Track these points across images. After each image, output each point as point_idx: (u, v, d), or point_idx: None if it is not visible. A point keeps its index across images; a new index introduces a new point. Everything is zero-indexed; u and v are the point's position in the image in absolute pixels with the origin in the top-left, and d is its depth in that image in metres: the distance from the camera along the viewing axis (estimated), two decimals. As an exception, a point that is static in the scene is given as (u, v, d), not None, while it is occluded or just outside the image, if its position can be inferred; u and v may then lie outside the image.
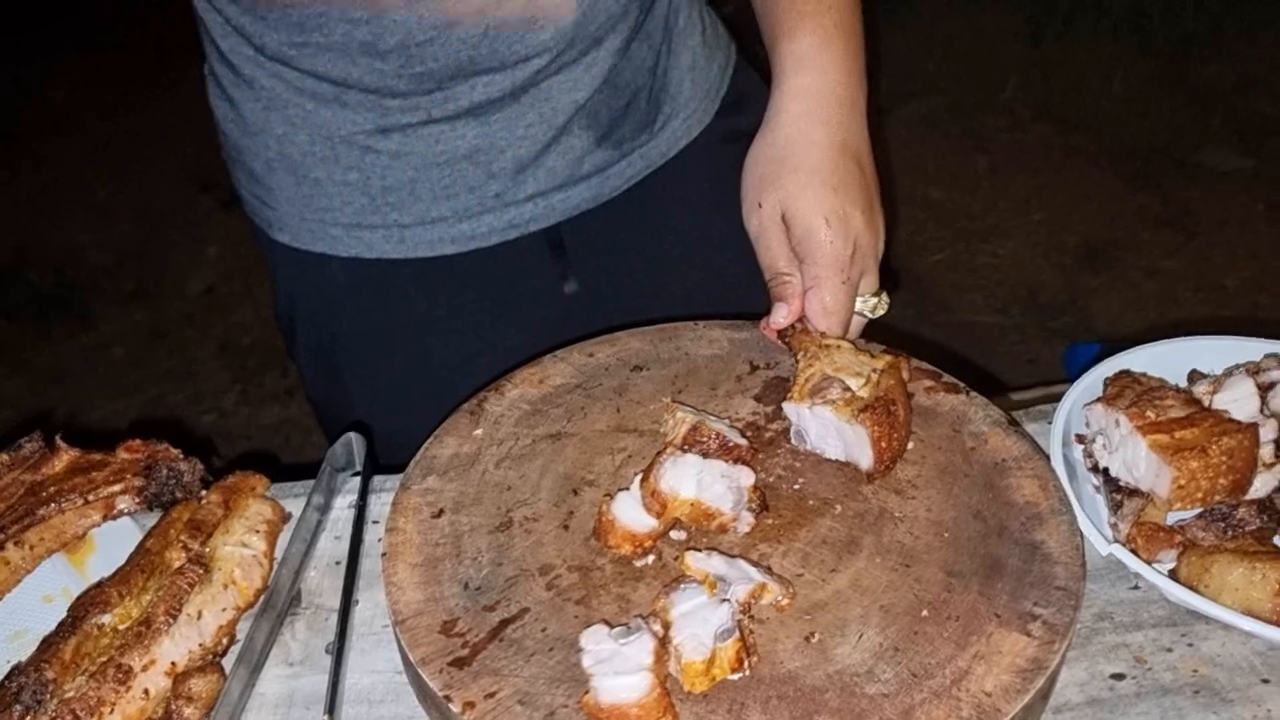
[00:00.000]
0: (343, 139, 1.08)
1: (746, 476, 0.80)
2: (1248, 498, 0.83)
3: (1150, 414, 0.85)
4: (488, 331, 1.18)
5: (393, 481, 0.95)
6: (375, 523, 0.92)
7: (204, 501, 0.88)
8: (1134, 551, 0.81)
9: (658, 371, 0.98)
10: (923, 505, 0.83)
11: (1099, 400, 0.89)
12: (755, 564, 0.77)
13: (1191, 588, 0.78)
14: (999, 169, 3.41)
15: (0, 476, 0.89)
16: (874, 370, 0.87)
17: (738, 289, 1.09)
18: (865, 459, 0.84)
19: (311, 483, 0.93)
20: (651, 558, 0.79)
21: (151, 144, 3.77)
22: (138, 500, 0.88)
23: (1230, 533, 0.81)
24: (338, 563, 0.88)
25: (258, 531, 0.86)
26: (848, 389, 0.86)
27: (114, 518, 0.88)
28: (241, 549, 0.84)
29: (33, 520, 0.84)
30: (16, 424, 2.55)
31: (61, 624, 0.77)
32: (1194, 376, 0.94)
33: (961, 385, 0.94)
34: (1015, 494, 0.84)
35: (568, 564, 0.79)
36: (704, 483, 0.79)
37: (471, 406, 0.94)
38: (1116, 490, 0.85)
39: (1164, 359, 0.95)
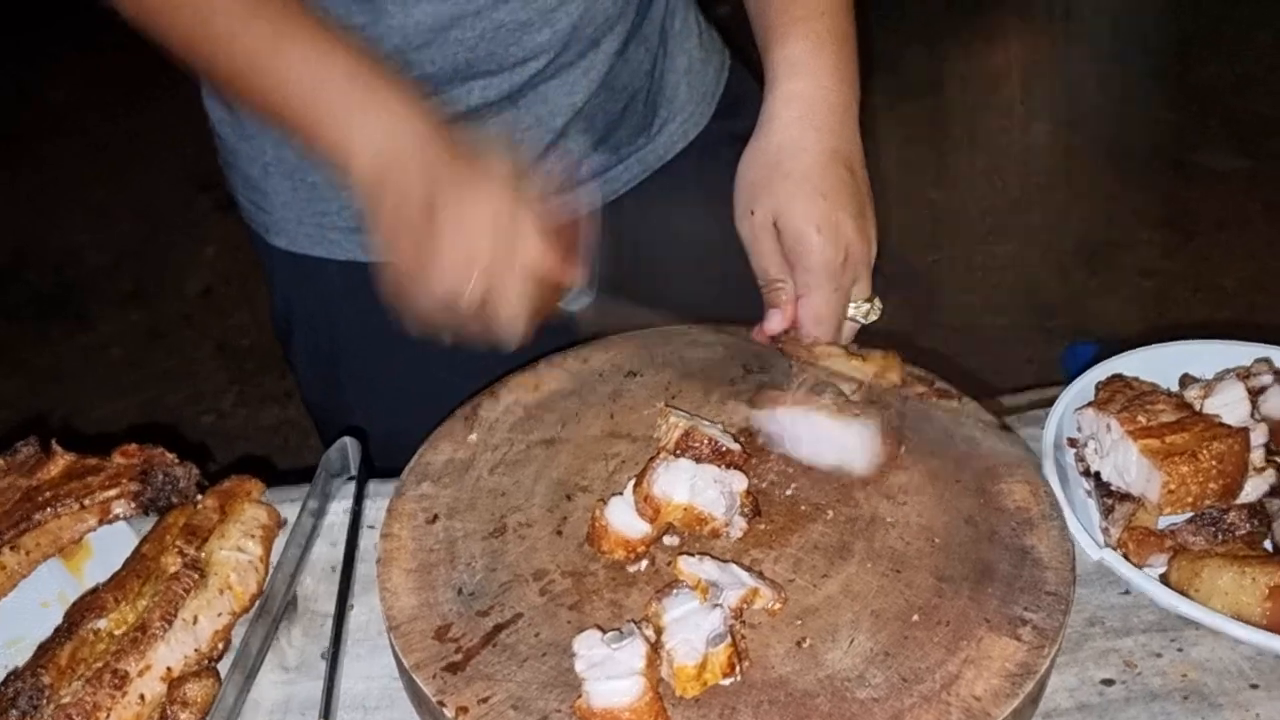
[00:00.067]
0: None
1: (739, 482, 0.81)
2: (1238, 502, 0.83)
3: (1141, 418, 0.85)
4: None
5: (388, 487, 0.95)
6: (370, 528, 0.92)
7: (200, 506, 0.88)
8: (1125, 556, 0.81)
9: (651, 377, 0.98)
10: (914, 510, 0.83)
11: (1091, 405, 0.90)
12: (747, 569, 0.77)
13: (1182, 592, 0.78)
14: (998, 169, 3.41)
15: (-4, 481, 0.89)
16: (868, 372, 0.88)
17: (736, 292, 1.09)
18: (859, 462, 0.85)
19: (307, 487, 0.93)
20: (644, 563, 0.80)
21: (151, 144, 3.77)
22: (133, 505, 0.88)
23: (1221, 537, 0.82)
24: (333, 568, 0.89)
25: (253, 536, 0.86)
26: (840, 394, 0.87)
27: (110, 522, 0.88)
28: (237, 554, 0.84)
29: (29, 525, 0.84)
30: (15, 424, 2.55)
31: (57, 629, 0.78)
32: (1185, 381, 0.94)
33: (954, 390, 0.95)
34: (1006, 499, 0.84)
35: (561, 569, 0.80)
36: (697, 488, 0.79)
37: (466, 412, 0.95)
38: (1108, 495, 0.85)
39: (1156, 363, 0.95)
